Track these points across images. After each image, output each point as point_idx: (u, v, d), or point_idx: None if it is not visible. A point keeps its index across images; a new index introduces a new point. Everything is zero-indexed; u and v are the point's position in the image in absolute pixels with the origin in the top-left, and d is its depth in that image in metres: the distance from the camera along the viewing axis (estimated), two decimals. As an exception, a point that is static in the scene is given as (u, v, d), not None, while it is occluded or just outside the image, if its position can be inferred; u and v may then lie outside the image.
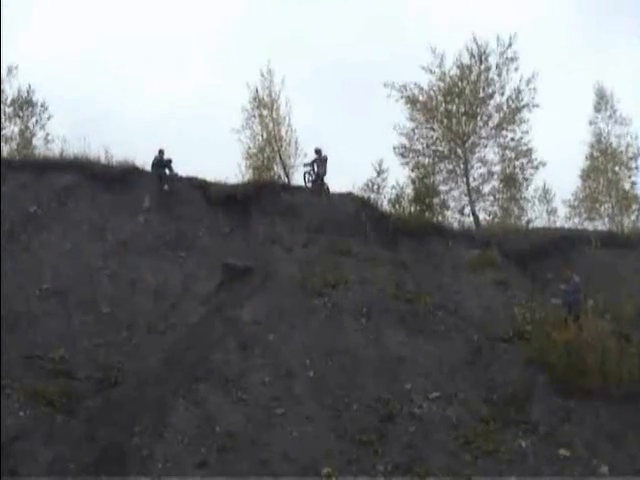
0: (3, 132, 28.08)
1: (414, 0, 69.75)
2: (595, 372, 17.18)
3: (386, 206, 25.87)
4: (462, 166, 29.00)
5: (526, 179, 29.70)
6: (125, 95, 62.08)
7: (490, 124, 29.26)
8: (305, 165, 26.32)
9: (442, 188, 28.74)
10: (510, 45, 28.95)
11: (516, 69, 29.12)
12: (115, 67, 64.04)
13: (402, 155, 29.24)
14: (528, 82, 28.91)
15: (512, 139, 29.25)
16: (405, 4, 69.25)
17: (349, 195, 25.26)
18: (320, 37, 69.18)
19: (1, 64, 26.33)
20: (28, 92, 28.80)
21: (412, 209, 25.85)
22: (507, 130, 29.26)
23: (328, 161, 25.64)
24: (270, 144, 29.60)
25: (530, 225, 28.40)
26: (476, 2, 64.69)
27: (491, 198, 29.49)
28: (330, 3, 70.89)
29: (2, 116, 27.92)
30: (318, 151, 25.85)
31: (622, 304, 19.38)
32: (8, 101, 28.43)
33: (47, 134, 28.68)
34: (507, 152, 29.32)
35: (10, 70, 28.60)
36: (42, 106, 28.87)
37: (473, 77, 29.22)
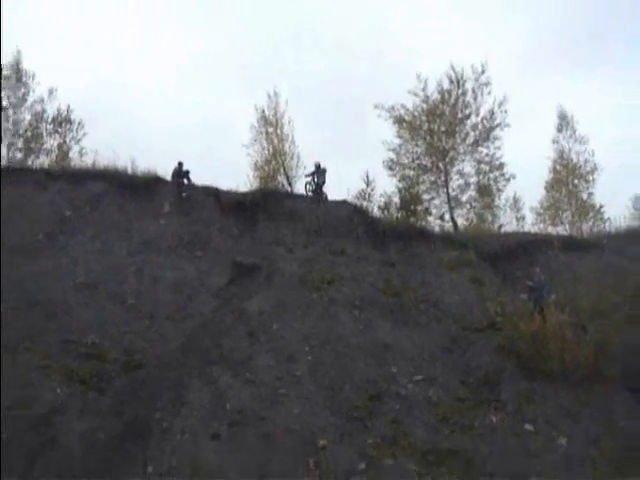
0: (44, 146, 28.18)
1: (400, 35, 70.09)
2: (556, 358, 17.37)
3: (376, 212, 25.87)
4: (443, 178, 29.02)
5: (499, 189, 29.74)
6: (150, 115, 62.02)
7: (467, 141, 29.30)
8: (306, 176, 26.33)
9: (425, 197, 28.73)
10: (483, 72, 29.12)
11: (489, 93, 29.25)
12: (140, 89, 64.12)
13: (390, 168, 29.28)
14: (500, 105, 29.06)
15: (487, 154, 29.30)
16: (393, 40, 69.49)
17: (344, 202, 25.21)
18: (320, 69, 69.30)
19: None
20: (67, 111, 28.91)
21: (399, 215, 25.86)
22: (482, 146, 29.31)
23: (326, 173, 25.73)
24: (275, 158, 29.56)
25: (502, 230, 28.50)
26: (453, 36, 65.05)
27: (468, 206, 29.52)
28: (327, 36, 71.04)
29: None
30: (317, 164, 25.92)
31: (580, 299, 19.47)
32: (49, 119, 28.53)
33: (82, 148, 28.71)
34: (482, 166, 29.34)
35: (51, 92, 28.75)
36: (79, 124, 28.96)
37: (452, 100, 29.30)
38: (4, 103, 27.94)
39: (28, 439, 14.61)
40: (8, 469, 13.82)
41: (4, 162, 26.39)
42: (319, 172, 25.68)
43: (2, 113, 27.80)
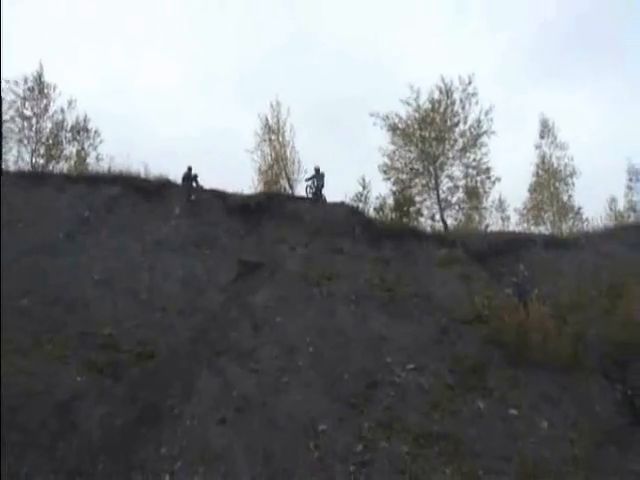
0: (64, 153, 28.32)
1: (394, 50, 70.15)
2: (539, 348, 17.39)
3: (372, 213, 25.96)
4: (433, 181, 29.01)
5: (485, 192, 29.73)
6: (163, 124, 61.95)
7: (456, 147, 29.30)
8: (306, 180, 26.43)
9: (417, 199, 28.69)
10: (470, 83, 29.13)
11: (476, 103, 29.25)
12: (152, 100, 64.13)
13: (385, 172, 29.28)
14: (486, 113, 29.08)
15: (474, 159, 29.27)
16: (386, 51, 69.53)
17: (341, 204, 25.23)
18: (318, 78, 69.40)
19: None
20: (85, 120, 29.03)
21: (393, 216, 25.92)
22: (470, 152, 29.27)
23: (325, 177, 25.77)
24: (277, 163, 29.61)
25: (488, 229, 28.53)
26: (442, 49, 65.09)
27: (457, 207, 29.52)
28: (327, 51, 71.12)
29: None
30: (317, 168, 25.97)
31: (560, 293, 19.51)
32: (68, 127, 28.72)
33: (98, 154, 28.80)
34: (470, 170, 29.34)
35: (70, 102, 28.91)
36: (95, 132, 29.09)
37: (442, 109, 29.33)
38: (28, 113, 28.18)
39: (51, 423, 14.69)
40: (33, 450, 13.95)
41: (28, 167, 26.62)
42: (318, 176, 25.76)
43: (24, 122, 27.98)
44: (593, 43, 78.04)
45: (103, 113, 44.02)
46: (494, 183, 29.40)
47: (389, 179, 29.24)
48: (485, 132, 29.14)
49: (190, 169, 24.49)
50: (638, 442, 15.27)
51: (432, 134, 29.18)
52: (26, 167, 26.70)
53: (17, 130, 27.97)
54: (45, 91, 28.70)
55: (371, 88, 62.02)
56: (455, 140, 29.34)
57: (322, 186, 25.61)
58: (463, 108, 29.32)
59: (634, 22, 75.38)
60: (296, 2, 76.86)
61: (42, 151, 27.96)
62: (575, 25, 76.82)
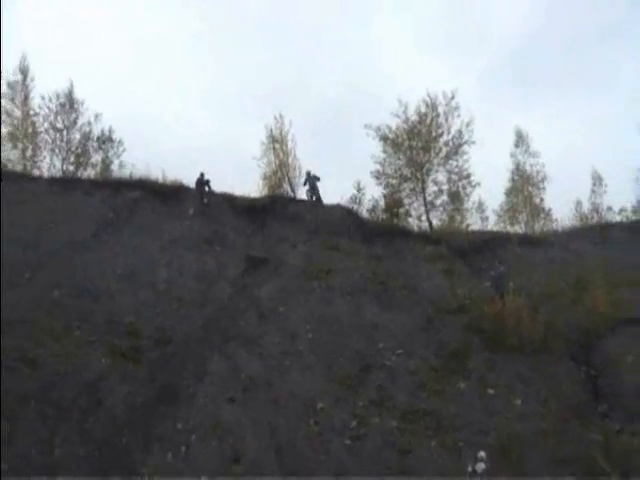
0: (91, 160, 28.36)
1: (383, 66, 70.16)
2: (514, 334, 17.49)
3: (365, 214, 25.95)
4: (420, 186, 28.90)
5: (466, 195, 29.59)
6: (179, 133, 61.41)
7: (440, 155, 29.11)
8: (304, 185, 26.39)
9: (406, 201, 28.63)
10: (453, 98, 29.05)
11: (458, 115, 29.10)
12: (169, 112, 63.87)
13: (376, 177, 29.11)
14: (467, 125, 28.98)
15: (456, 166, 29.05)
16: (377, 68, 69.38)
17: (338, 206, 25.20)
18: (316, 90, 69.11)
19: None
20: (109, 132, 29.05)
21: (384, 216, 25.91)
22: (452, 160, 29.08)
23: (317, 179, 25.57)
24: (281, 169, 29.44)
25: (469, 228, 28.47)
26: (426, 66, 64.98)
27: (441, 209, 29.40)
28: (325, 66, 71.08)
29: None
30: (308, 172, 25.84)
31: (533, 286, 19.57)
32: (95, 138, 28.68)
33: (121, 161, 28.71)
34: (452, 176, 29.17)
35: (96, 116, 28.93)
36: (119, 142, 29.08)
37: (428, 121, 29.25)
38: (59, 125, 28.27)
39: (80, 400, 14.80)
40: (65, 423, 14.10)
41: (59, 174, 26.68)
42: (310, 178, 25.66)
43: (57, 134, 28.04)
44: (568, 60, 77.65)
45: (118, 117, 43.58)
46: (474, 187, 29.27)
47: (380, 184, 29.12)
48: (466, 142, 28.98)
49: (202, 175, 24.41)
50: (599, 416, 15.44)
51: (419, 144, 29.08)
52: (58, 174, 26.76)
53: (50, 141, 28.15)
54: (75, 106, 28.75)
55: (362, 102, 61.84)
56: (439, 149, 29.21)
57: (315, 187, 25.43)
58: (447, 120, 29.17)
59: (608, 40, 74.99)
60: (297, 20, 76.40)
61: (72, 159, 27.97)
62: (556, 40, 76.52)
